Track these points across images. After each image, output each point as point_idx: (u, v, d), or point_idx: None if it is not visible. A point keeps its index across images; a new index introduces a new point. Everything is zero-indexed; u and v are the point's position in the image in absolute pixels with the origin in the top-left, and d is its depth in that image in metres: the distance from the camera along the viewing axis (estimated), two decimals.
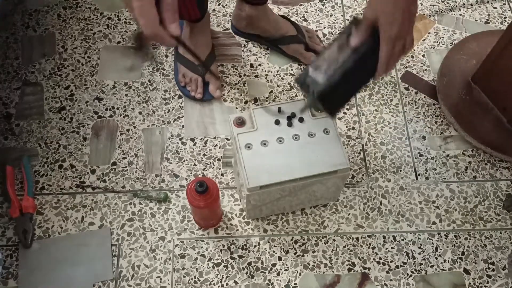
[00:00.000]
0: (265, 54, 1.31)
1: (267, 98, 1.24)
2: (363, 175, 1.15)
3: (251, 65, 1.29)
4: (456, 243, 1.08)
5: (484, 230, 1.09)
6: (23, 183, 1.10)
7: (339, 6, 1.40)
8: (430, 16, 1.39)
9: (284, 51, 1.28)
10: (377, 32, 0.71)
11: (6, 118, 1.20)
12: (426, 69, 1.30)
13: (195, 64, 1.19)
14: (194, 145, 1.18)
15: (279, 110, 0.99)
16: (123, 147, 1.17)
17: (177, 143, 1.18)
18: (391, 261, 1.05)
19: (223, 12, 1.37)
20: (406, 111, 1.24)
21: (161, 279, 1.03)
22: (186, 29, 1.19)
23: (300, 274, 1.04)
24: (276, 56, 1.30)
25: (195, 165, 1.15)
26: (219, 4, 1.39)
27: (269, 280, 1.03)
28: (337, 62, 0.71)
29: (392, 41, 0.72)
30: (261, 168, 0.94)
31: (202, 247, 1.06)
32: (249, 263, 1.04)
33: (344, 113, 1.22)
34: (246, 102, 1.23)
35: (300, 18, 1.37)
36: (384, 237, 1.08)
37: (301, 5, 1.39)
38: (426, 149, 1.18)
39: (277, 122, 0.98)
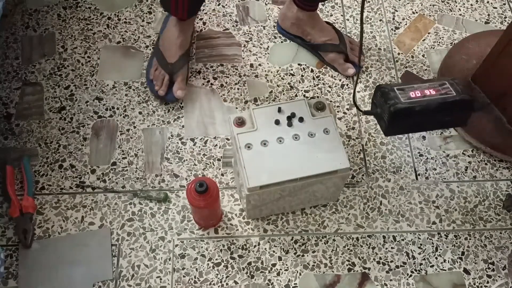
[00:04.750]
0: (265, 54, 1.31)
1: (267, 98, 1.24)
2: (363, 175, 1.15)
3: (251, 65, 1.29)
4: (456, 243, 1.08)
5: (484, 230, 1.09)
6: (23, 183, 1.10)
7: (339, 6, 1.40)
8: (430, 16, 1.39)
9: (323, 58, 1.28)
10: (467, 98, 0.81)
11: (6, 118, 1.20)
12: (426, 69, 1.30)
13: (168, 62, 1.20)
14: (194, 145, 1.18)
15: (279, 110, 0.99)
16: (123, 147, 1.17)
17: (177, 143, 1.18)
18: (391, 261, 1.05)
19: (223, 12, 1.37)
20: None
21: (161, 279, 1.03)
22: (170, 24, 1.22)
23: (300, 274, 1.04)
24: (276, 56, 1.30)
25: (195, 165, 1.15)
26: (219, 4, 1.39)
27: (269, 280, 1.03)
28: (423, 97, 0.80)
29: None
30: (261, 168, 0.94)
31: (202, 247, 1.06)
32: (249, 263, 1.04)
33: (344, 113, 1.23)
34: (246, 102, 1.23)
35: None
36: (384, 237, 1.08)
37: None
38: (426, 149, 1.18)
39: (277, 122, 0.98)
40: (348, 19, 1.36)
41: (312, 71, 1.28)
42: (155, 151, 1.17)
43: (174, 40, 1.20)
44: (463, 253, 1.07)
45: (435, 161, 1.17)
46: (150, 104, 1.23)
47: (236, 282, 1.02)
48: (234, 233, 1.07)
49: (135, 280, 1.02)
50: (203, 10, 1.37)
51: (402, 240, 1.08)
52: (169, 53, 1.20)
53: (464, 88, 0.81)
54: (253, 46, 1.32)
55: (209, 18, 1.36)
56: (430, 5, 1.41)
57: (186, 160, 1.15)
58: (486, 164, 1.17)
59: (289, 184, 0.95)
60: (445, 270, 1.05)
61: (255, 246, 1.06)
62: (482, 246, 1.07)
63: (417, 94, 0.80)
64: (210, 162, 1.15)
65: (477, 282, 1.04)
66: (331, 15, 1.38)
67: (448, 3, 1.42)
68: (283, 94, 1.25)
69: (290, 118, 0.98)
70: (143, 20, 1.35)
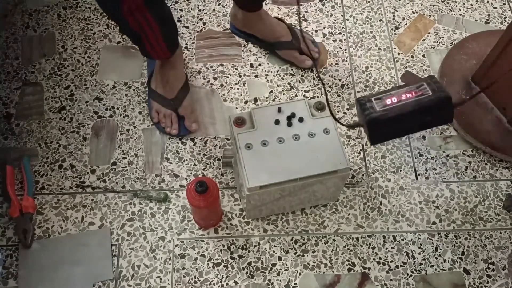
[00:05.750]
0: (265, 54, 1.30)
1: (267, 98, 1.24)
2: (363, 175, 1.15)
3: (251, 65, 1.29)
4: (456, 243, 1.08)
5: (484, 230, 1.09)
6: (23, 183, 1.10)
7: (339, 6, 1.40)
8: (430, 16, 1.39)
9: (280, 55, 1.27)
10: (442, 96, 0.80)
11: (6, 118, 1.20)
12: (426, 69, 1.30)
13: (167, 99, 1.16)
14: (194, 145, 1.18)
15: (279, 110, 0.99)
16: (123, 147, 1.17)
17: (177, 143, 1.18)
18: (391, 261, 1.05)
19: (223, 12, 1.37)
20: None
21: (161, 279, 1.03)
22: (158, 63, 1.15)
23: (300, 274, 1.04)
24: (275, 56, 1.30)
25: (195, 165, 1.15)
26: (219, 4, 1.39)
27: (269, 280, 1.03)
28: (398, 102, 0.81)
29: None
30: (261, 168, 0.94)
31: (202, 247, 1.06)
32: (249, 263, 1.04)
33: (344, 113, 1.23)
34: (246, 102, 1.23)
35: (300, 18, 1.36)
36: (384, 237, 1.08)
37: (301, 4, 1.39)
38: (426, 149, 1.18)
39: (277, 122, 0.98)
40: (348, 19, 1.36)
41: (312, 71, 1.28)
42: (155, 151, 1.17)
43: (166, 79, 1.15)
44: (463, 253, 1.07)
45: (435, 161, 1.17)
46: None
47: (236, 282, 1.02)
48: (234, 233, 1.07)
49: (135, 280, 1.02)
50: (203, 10, 1.37)
51: (402, 240, 1.08)
52: (166, 91, 1.16)
53: (440, 86, 0.81)
54: (253, 46, 1.32)
55: (209, 18, 1.36)
56: (430, 5, 1.41)
57: (186, 160, 1.15)
58: (486, 164, 1.17)
59: (289, 184, 0.95)
60: (445, 270, 1.05)
61: (255, 246, 1.06)
62: (482, 246, 1.07)
63: (393, 100, 0.80)
64: (210, 162, 1.15)
65: (477, 282, 1.04)
66: (331, 15, 1.38)
67: (448, 3, 1.42)
68: (283, 94, 1.25)
69: (290, 118, 0.98)
70: None
